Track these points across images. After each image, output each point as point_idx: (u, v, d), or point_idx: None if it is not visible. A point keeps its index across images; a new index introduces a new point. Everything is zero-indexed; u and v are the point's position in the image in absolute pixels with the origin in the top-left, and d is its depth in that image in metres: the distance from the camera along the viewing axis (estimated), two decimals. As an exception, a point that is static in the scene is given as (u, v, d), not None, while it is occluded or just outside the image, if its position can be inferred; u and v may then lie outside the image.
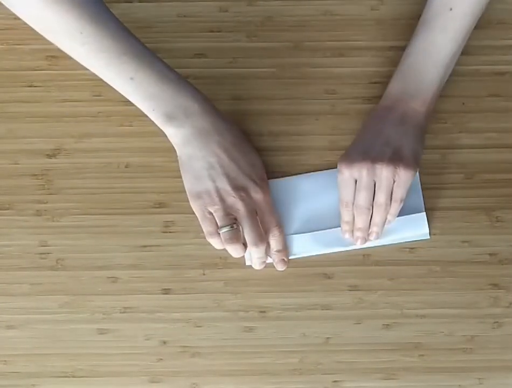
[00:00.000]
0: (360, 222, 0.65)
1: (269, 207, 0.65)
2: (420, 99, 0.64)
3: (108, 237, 0.68)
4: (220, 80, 0.69)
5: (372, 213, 0.65)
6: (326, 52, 0.70)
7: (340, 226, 0.67)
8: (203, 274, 0.68)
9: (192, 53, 0.70)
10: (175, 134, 0.62)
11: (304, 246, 0.67)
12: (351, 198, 0.65)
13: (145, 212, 0.68)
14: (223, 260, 0.68)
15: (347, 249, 0.67)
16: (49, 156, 0.69)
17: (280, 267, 0.67)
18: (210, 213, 0.64)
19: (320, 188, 0.68)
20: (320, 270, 0.68)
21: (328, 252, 0.67)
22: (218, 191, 0.63)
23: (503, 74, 0.69)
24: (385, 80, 0.69)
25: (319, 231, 0.67)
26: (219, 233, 0.64)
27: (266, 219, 0.65)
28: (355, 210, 0.65)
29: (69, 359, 0.68)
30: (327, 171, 0.68)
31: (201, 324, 0.68)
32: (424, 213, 0.67)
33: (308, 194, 0.68)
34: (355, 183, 0.64)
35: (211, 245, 0.66)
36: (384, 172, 0.63)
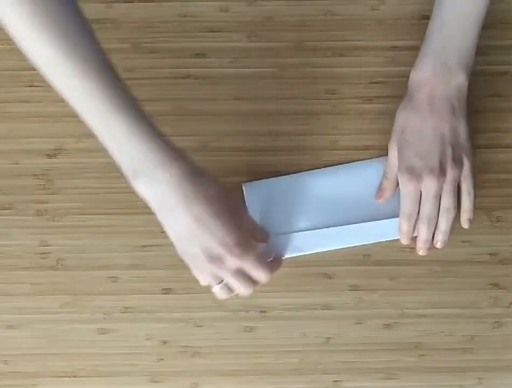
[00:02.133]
0: (426, 233, 0.64)
1: (254, 265, 0.59)
2: (464, 70, 0.61)
3: (108, 237, 0.68)
4: (220, 80, 0.69)
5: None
6: (326, 52, 0.70)
7: (339, 224, 0.67)
8: (204, 274, 0.68)
9: (192, 53, 0.70)
10: (141, 194, 0.57)
11: (306, 244, 0.67)
12: (416, 210, 0.64)
13: (145, 211, 0.67)
14: (224, 260, 0.68)
15: (349, 246, 0.67)
16: (49, 156, 0.69)
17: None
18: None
19: (322, 186, 0.68)
20: (321, 270, 0.68)
21: (329, 250, 0.67)
22: (195, 257, 0.58)
23: (503, 74, 0.69)
24: (385, 80, 0.69)
25: (322, 229, 0.67)
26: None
27: (253, 275, 0.61)
28: (421, 222, 0.64)
29: (70, 359, 0.68)
30: (328, 168, 0.68)
31: (202, 324, 0.68)
32: None
33: (308, 192, 0.68)
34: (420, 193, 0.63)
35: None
36: (451, 174, 0.61)
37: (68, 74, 0.52)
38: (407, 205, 0.64)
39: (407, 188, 0.63)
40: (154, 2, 0.70)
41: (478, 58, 0.69)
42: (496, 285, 0.68)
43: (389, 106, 0.69)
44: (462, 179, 0.63)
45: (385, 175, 0.66)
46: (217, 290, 0.61)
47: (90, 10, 0.70)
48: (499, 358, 0.68)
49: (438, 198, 0.63)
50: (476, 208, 0.68)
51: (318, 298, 0.68)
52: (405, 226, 0.65)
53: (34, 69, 0.69)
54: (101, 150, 0.69)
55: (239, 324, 0.68)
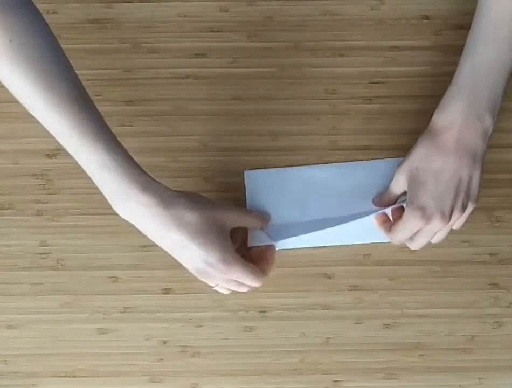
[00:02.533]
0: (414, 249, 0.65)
1: (242, 275, 0.59)
2: (491, 117, 0.62)
3: (108, 237, 0.68)
4: (220, 80, 0.69)
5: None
6: (326, 52, 0.70)
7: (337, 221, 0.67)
8: (204, 274, 0.68)
9: (192, 53, 0.70)
10: (121, 215, 0.58)
11: (302, 236, 0.66)
12: (408, 238, 0.64)
13: (146, 212, 0.68)
14: (224, 260, 0.68)
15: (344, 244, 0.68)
16: (49, 156, 0.69)
17: None
18: None
19: (323, 180, 0.68)
20: (321, 270, 0.68)
21: (325, 245, 0.67)
22: (186, 266, 0.60)
23: (503, 74, 0.69)
24: (385, 80, 0.69)
25: (319, 224, 0.67)
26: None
27: (244, 283, 0.61)
28: (412, 245, 0.65)
29: (69, 359, 0.68)
30: (331, 164, 0.68)
31: (201, 324, 0.68)
32: None
33: (310, 185, 0.68)
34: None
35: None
36: (454, 218, 0.62)
37: (44, 107, 0.55)
38: (404, 233, 0.63)
39: (414, 224, 0.62)
40: (154, 2, 0.70)
41: (478, 58, 0.69)
42: (496, 285, 0.68)
43: (389, 106, 0.69)
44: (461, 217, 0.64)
45: (387, 193, 0.66)
46: (218, 289, 0.62)
47: (90, 10, 0.70)
48: (499, 358, 0.68)
49: (433, 234, 0.63)
50: (476, 208, 0.68)
51: (318, 298, 0.68)
52: (394, 242, 0.66)
53: (34, 69, 0.69)
54: (101, 150, 0.69)
55: (239, 324, 0.68)
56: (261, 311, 0.68)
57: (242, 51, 0.70)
